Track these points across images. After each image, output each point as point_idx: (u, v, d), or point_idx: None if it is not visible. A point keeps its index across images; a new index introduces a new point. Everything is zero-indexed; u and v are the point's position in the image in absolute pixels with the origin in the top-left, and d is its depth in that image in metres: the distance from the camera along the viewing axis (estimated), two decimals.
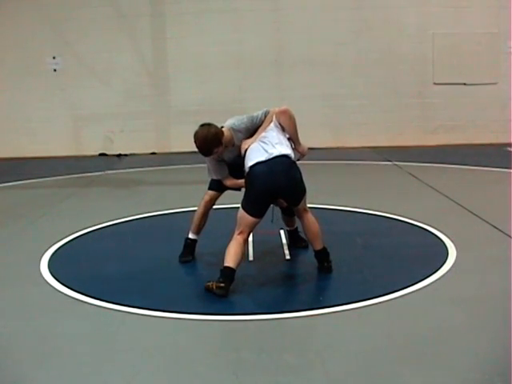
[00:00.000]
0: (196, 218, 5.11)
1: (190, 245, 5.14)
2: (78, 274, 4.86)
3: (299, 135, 4.76)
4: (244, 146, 4.60)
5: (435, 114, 12.51)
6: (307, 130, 13.25)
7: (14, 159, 12.23)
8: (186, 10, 12.18)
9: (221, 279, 4.17)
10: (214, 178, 4.93)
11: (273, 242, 5.49)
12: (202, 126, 4.54)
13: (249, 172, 4.45)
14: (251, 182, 4.44)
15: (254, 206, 4.38)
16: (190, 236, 5.15)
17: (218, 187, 4.98)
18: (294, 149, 4.63)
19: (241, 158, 4.60)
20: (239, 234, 4.36)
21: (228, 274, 4.19)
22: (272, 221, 4.99)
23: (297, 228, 5.34)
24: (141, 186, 9.08)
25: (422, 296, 4.17)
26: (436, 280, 4.43)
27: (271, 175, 4.34)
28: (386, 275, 4.73)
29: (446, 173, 9.28)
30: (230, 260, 4.21)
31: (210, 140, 4.46)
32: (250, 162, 4.46)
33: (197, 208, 5.14)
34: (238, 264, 4.24)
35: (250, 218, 4.36)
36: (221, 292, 4.14)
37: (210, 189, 5.07)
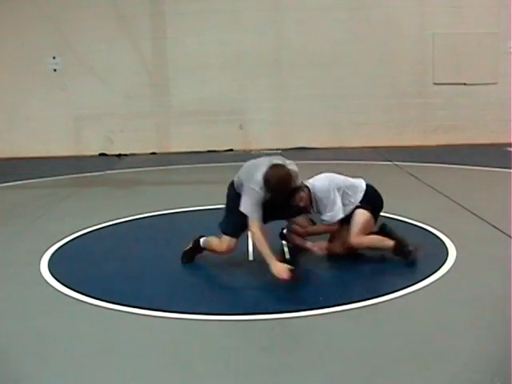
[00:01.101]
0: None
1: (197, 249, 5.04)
2: (78, 274, 4.86)
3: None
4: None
5: (435, 113, 12.52)
6: (307, 129, 13.38)
7: (13, 159, 12.24)
8: (186, 9, 12.18)
9: None
10: (250, 212, 4.45)
11: (273, 242, 5.48)
12: (280, 166, 4.48)
13: (368, 190, 4.98)
14: (376, 197, 5.03)
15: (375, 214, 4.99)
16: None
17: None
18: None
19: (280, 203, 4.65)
20: (365, 234, 4.83)
21: None
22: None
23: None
24: (141, 185, 9.08)
25: (422, 296, 4.17)
26: (436, 280, 4.43)
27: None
28: (386, 275, 4.73)
29: (446, 173, 9.29)
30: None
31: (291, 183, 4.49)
32: (361, 183, 5.04)
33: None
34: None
35: (372, 221, 4.92)
36: None
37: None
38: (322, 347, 3.47)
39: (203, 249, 4.95)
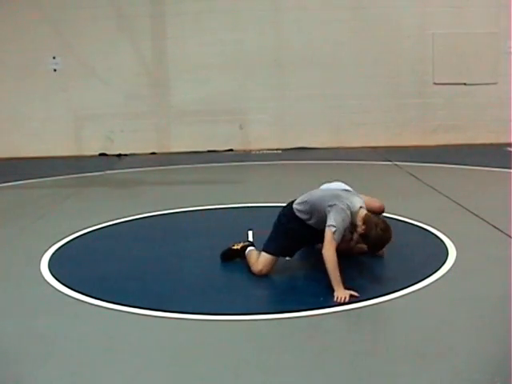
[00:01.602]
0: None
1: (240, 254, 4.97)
2: (78, 273, 4.86)
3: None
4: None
5: (435, 114, 12.52)
6: (307, 129, 13.37)
7: (13, 159, 12.24)
8: (186, 9, 12.18)
9: None
10: (337, 232, 4.25)
11: None
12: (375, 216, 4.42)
13: None
14: None
15: None
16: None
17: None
18: None
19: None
20: None
21: None
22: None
23: None
24: (141, 185, 9.08)
25: (422, 296, 4.17)
26: (436, 280, 4.43)
27: None
28: (386, 275, 4.73)
29: (446, 173, 9.29)
30: None
31: None
32: None
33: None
34: None
35: None
36: None
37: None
38: (322, 347, 3.47)
39: (244, 257, 4.88)
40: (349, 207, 4.36)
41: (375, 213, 5.31)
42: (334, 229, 4.25)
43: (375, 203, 5.32)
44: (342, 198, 4.44)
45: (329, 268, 4.20)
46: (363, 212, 4.38)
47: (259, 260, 4.65)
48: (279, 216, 4.80)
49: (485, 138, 12.30)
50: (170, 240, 5.86)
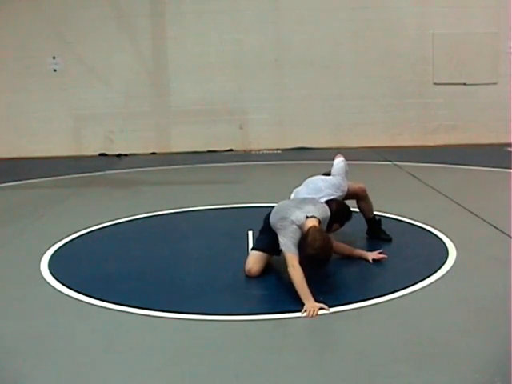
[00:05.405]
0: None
1: None
2: (78, 274, 4.86)
3: None
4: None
5: (435, 114, 12.52)
6: (307, 129, 13.38)
7: (13, 159, 12.24)
8: (186, 9, 12.19)
9: None
10: (290, 248, 4.31)
11: None
12: (318, 232, 4.27)
13: None
14: None
15: None
16: None
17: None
18: None
19: None
20: None
21: None
22: None
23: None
24: (141, 186, 9.07)
25: (422, 296, 4.17)
26: (436, 280, 4.43)
27: None
28: (386, 275, 4.73)
29: (446, 173, 9.29)
30: None
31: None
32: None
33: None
34: None
35: None
36: None
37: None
38: (322, 347, 3.47)
39: None
40: (293, 222, 4.35)
41: (357, 194, 5.30)
42: (287, 247, 4.27)
43: (354, 185, 5.34)
44: (285, 218, 4.40)
45: (295, 284, 4.12)
46: (307, 225, 4.32)
47: (248, 259, 4.67)
48: (265, 217, 4.83)
49: (485, 138, 12.30)
50: (169, 240, 5.85)
